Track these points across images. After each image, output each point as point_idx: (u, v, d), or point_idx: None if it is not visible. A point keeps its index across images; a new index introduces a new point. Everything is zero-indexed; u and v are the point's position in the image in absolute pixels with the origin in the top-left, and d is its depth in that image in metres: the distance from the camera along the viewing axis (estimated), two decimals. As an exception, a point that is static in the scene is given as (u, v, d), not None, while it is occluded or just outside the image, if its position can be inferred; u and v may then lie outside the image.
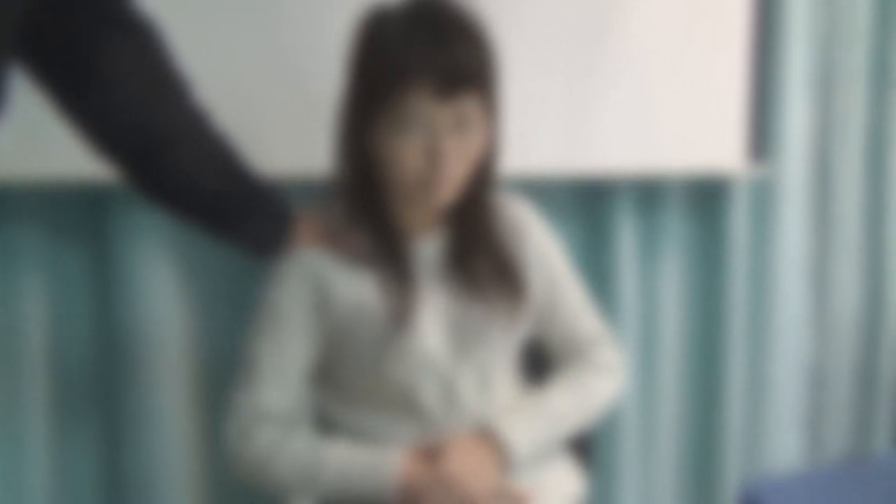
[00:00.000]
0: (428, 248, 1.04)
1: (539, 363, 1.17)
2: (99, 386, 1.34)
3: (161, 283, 1.33)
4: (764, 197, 1.74)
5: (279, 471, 0.97)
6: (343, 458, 0.97)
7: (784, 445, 1.85)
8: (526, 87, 1.39)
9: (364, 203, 1.01)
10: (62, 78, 0.86)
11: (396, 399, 1.01)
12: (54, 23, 0.81)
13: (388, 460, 0.96)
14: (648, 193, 1.64)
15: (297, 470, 0.97)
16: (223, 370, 1.03)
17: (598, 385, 1.11)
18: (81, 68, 0.86)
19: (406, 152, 0.93)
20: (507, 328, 1.04)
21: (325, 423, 1.07)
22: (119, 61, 0.88)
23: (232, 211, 1.00)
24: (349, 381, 1.04)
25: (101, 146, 0.92)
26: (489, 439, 1.00)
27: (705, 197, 1.69)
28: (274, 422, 0.99)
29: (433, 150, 0.92)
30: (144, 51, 0.90)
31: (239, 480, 1.01)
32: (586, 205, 1.60)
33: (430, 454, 0.98)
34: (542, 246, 1.11)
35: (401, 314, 0.98)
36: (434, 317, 1.01)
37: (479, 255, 1.03)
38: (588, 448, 1.25)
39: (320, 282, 1.00)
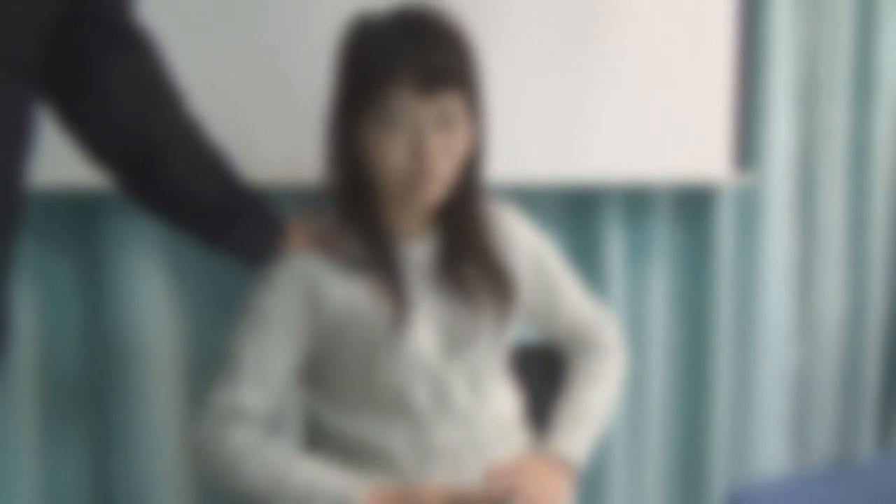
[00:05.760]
0: (418, 252, 1.05)
1: (547, 364, 1.20)
2: (88, 393, 1.34)
3: (150, 290, 1.33)
4: (749, 205, 1.77)
5: (248, 474, 0.97)
6: (310, 476, 0.97)
7: (770, 449, 1.87)
8: (515, 96, 1.41)
9: (355, 207, 1.03)
10: (62, 88, 0.88)
11: (388, 401, 1.02)
12: (57, 36, 0.83)
13: (352, 495, 0.96)
14: (636, 202, 1.66)
15: (266, 477, 0.97)
16: (213, 377, 1.03)
17: (611, 368, 1.17)
18: (81, 79, 0.87)
19: (392, 149, 0.96)
20: (497, 329, 1.06)
21: (317, 428, 1.08)
22: (118, 73, 0.89)
23: (223, 219, 1.01)
24: (341, 385, 1.05)
25: (98, 155, 0.94)
26: (550, 460, 1.05)
27: (692, 205, 1.71)
28: (250, 422, 1.00)
29: (418, 146, 0.95)
30: (142, 63, 0.92)
31: (211, 479, 1.01)
32: (575, 213, 1.62)
33: (498, 474, 1.01)
34: (531, 247, 1.13)
35: (395, 318, 0.99)
36: (426, 319, 1.03)
37: (469, 259, 1.05)
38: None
39: (312, 286, 1.01)
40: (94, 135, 0.92)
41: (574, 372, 1.16)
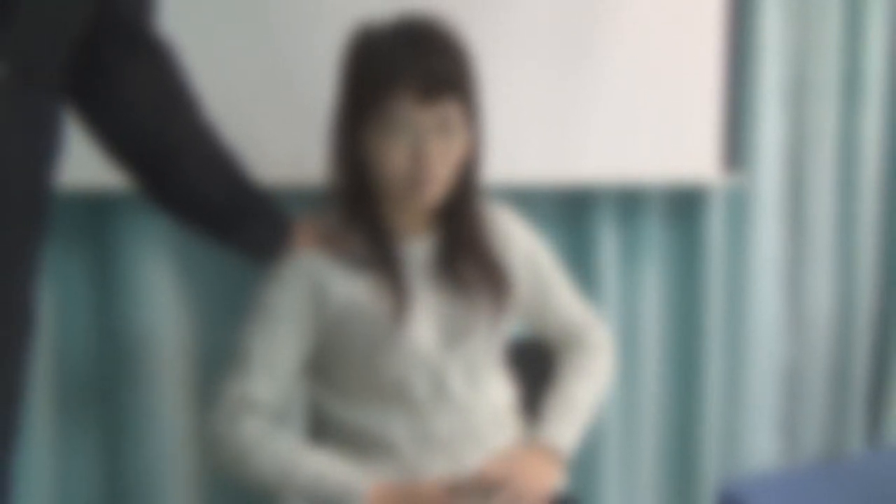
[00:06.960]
0: (418, 250, 1.10)
1: (539, 359, 1.24)
2: (100, 388, 1.37)
3: (161, 287, 1.36)
4: (739, 205, 1.79)
5: (258, 464, 1.01)
6: (317, 468, 1.01)
7: (761, 445, 1.89)
8: (510, 98, 1.44)
9: (358, 208, 1.07)
10: (85, 93, 0.92)
11: (389, 392, 1.06)
12: (83, 45, 0.87)
13: (358, 487, 1.00)
14: (628, 202, 1.69)
15: (275, 467, 1.01)
16: (221, 373, 1.06)
17: (599, 366, 1.21)
18: (104, 85, 0.92)
19: (394, 154, 1.00)
20: (492, 324, 1.11)
21: (321, 418, 1.12)
22: (137, 80, 0.94)
23: (234, 218, 1.06)
24: (344, 376, 1.09)
25: (116, 156, 0.98)
26: (539, 449, 1.09)
27: (683, 205, 1.74)
28: (261, 413, 1.03)
29: (418, 151, 0.99)
30: (160, 71, 0.97)
31: (222, 469, 1.04)
32: (569, 213, 1.65)
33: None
34: (526, 248, 1.17)
35: (396, 313, 1.03)
36: (425, 314, 1.07)
37: (466, 257, 1.10)
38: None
39: (317, 282, 1.05)
40: (113, 137, 0.96)
41: (563, 367, 1.20)
